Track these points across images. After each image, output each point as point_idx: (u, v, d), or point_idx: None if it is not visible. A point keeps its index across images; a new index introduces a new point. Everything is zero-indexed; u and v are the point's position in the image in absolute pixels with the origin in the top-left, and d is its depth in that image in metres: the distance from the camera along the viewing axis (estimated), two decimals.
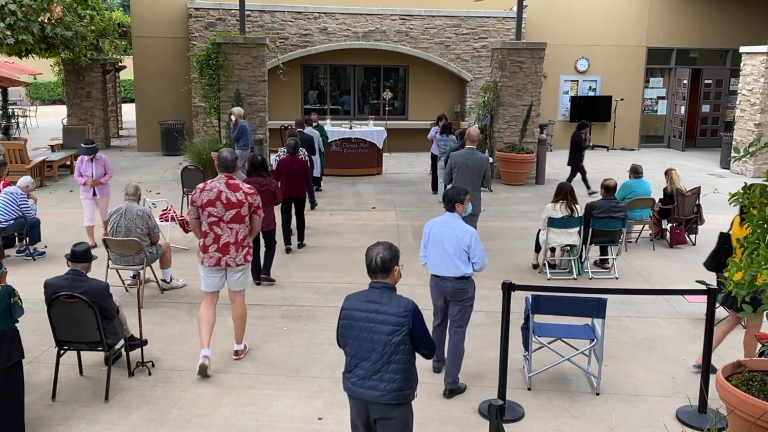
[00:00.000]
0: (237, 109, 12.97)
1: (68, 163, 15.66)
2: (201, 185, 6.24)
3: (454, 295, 5.66)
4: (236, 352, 6.48)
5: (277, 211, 8.75)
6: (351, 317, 4.01)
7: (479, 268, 5.63)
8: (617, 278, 8.71)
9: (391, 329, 3.91)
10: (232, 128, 13.19)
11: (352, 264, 9.13)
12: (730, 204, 4.66)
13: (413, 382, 4.04)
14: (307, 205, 10.88)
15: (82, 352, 5.99)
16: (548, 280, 8.61)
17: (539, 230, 8.98)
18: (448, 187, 6.06)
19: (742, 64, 16.60)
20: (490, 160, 10.41)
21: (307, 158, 11.06)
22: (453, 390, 5.75)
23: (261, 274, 8.31)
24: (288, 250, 9.62)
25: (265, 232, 8.15)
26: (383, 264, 4.02)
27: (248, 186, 6.32)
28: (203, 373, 5.96)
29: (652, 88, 20.84)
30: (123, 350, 6.03)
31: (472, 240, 5.56)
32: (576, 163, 13.74)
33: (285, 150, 10.04)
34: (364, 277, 8.77)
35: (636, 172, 10.18)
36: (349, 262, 9.24)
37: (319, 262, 9.22)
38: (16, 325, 4.95)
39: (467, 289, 5.66)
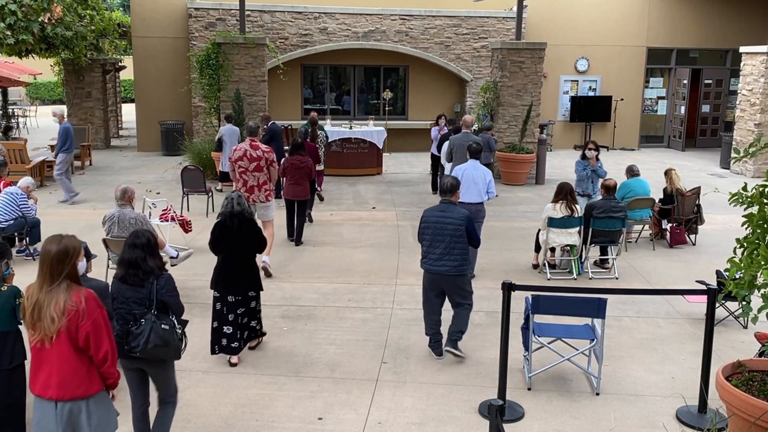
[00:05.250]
0: (59, 109, 12.66)
1: None
2: (234, 147, 8.74)
3: (476, 214, 7.97)
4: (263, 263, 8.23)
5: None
6: (428, 221, 6.24)
7: (492, 195, 8.29)
8: (617, 278, 8.71)
9: (453, 228, 6.11)
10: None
11: (352, 264, 9.13)
12: (730, 204, 4.67)
13: (468, 262, 6.33)
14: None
15: None
16: (548, 280, 8.62)
17: (539, 230, 8.98)
18: (472, 144, 8.57)
19: (742, 64, 16.59)
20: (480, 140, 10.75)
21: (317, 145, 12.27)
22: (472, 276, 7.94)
23: (295, 237, 10.08)
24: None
25: (299, 201, 9.90)
26: (451, 187, 6.31)
27: (266, 146, 8.59)
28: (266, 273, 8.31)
29: (652, 88, 20.83)
30: None
31: (491, 176, 8.25)
32: None
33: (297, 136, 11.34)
34: (364, 277, 8.80)
35: (632, 171, 10.15)
36: (349, 262, 9.24)
37: (319, 262, 9.22)
38: (20, 326, 4.94)
39: (482, 210, 8.30)
